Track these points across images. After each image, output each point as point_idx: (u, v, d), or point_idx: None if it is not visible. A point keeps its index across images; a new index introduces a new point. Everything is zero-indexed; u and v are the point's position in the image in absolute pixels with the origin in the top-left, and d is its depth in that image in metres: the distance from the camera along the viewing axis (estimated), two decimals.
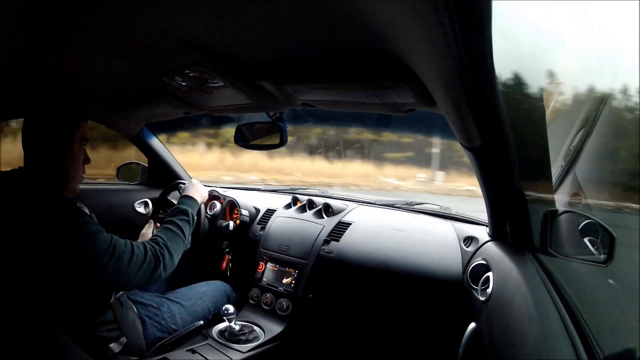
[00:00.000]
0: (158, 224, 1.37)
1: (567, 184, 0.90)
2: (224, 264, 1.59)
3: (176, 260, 0.97)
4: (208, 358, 1.09)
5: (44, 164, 0.88)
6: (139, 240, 1.29)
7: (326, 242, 1.40)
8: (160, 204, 1.48)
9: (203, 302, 1.21)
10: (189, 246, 1.07)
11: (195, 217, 1.11)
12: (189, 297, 1.20)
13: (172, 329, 1.10)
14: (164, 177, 1.82)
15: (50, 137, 0.88)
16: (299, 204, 1.64)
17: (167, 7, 0.62)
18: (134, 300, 1.10)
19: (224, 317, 1.15)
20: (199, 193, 1.20)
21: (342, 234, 1.40)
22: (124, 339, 0.98)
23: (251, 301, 1.42)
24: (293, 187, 1.93)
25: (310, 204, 1.61)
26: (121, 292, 1.00)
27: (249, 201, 1.69)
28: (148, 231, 1.33)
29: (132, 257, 0.88)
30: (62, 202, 0.85)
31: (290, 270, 1.41)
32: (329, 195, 1.76)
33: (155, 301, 1.13)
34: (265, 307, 1.38)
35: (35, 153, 0.89)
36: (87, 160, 0.96)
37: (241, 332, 1.19)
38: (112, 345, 0.96)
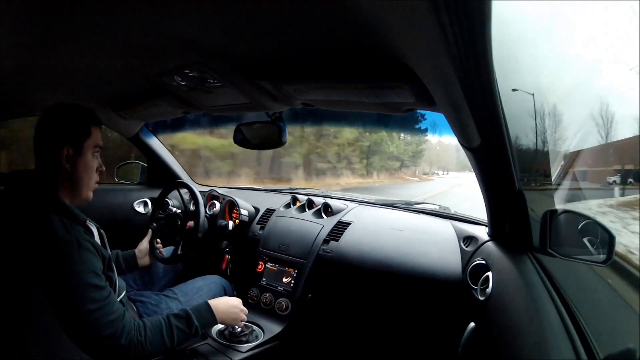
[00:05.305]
0: (159, 240, 1.35)
1: (567, 183, 0.90)
2: (224, 264, 1.59)
3: (145, 352, 0.85)
4: (208, 358, 1.09)
5: (54, 172, 0.84)
6: (136, 250, 1.27)
7: (325, 241, 1.40)
8: (159, 203, 1.48)
9: (200, 296, 1.21)
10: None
11: (199, 333, 0.96)
12: (185, 293, 1.20)
13: None
14: (163, 176, 1.82)
15: (61, 146, 0.84)
16: (298, 204, 1.65)
17: (166, 7, 0.61)
18: (133, 299, 1.10)
19: None
20: (227, 313, 1.04)
21: (342, 234, 1.40)
22: None
23: (250, 301, 1.42)
24: (292, 186, 1.93)
25: (310, 204, 1.61)
26: (124, 293, 1.00)
27: (248, 201, 1.69)
28: (146, 243, 1.31)
29: (108, 307, 0.80)
30: (60, 212, 0.81)
31: (290, 270, 1.41)
32: (329, 195, 1.76)
33: (153, 299, 1.13)
34: (264, 306, 1.38)
35: (45, 160, 0.85)
36: (100, 167, 0.92)
37: (240, 332, 1.19)
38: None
